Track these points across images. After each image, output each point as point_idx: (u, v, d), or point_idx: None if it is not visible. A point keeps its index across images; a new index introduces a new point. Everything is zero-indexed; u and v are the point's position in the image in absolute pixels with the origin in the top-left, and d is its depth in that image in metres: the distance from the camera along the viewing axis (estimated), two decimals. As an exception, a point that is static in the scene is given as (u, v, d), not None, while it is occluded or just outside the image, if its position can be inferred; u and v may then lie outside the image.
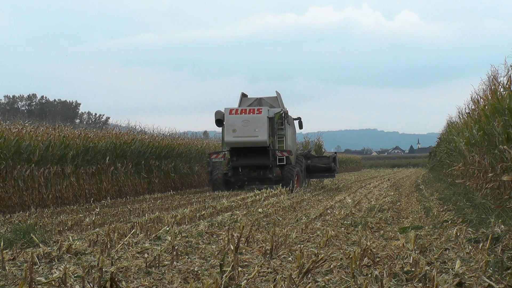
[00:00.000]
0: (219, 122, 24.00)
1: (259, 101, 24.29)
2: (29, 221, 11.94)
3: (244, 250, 7.85)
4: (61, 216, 13.55)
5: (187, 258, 7.34)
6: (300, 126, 26.15)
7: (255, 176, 24.05)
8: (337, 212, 13.46)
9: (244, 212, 13.76)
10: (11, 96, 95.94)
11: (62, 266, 6.55)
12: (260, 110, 22.99)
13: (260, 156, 23.67)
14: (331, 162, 26.22)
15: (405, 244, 7.82)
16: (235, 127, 22.93)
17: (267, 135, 23.02)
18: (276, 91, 24.86)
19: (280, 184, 22.89)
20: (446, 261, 6.82)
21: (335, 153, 27.63)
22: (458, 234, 8.64)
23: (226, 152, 24.03)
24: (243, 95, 24.76)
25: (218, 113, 23.98)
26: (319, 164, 26.27)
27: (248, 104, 24.21)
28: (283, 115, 24.10)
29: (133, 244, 8.45)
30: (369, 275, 5.95)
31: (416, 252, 7.23)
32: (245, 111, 22.98)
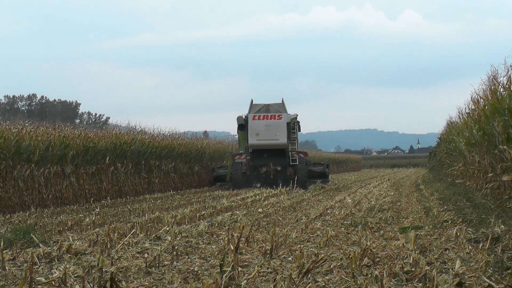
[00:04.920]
0: (242, 126, 26.24)
1: (267, 107, 25.97)
2: (29, 221, 11.94)
3: (244, 250, 7.85)
4: (61, 216, 13.55)
5: (187, 258, 7.35)
6: (299, 129, 27.83)
7: (271, 175, 26.17)
8: (337, 212, 13.47)
9: (244, 212, 13.77)
10: (11, 96, 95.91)
11: (62, 266, 6.55)
12: (281, 116, 25.35)
13: (278, 157, 26.12)
14: (325, 169, 28.51)
15: (405, 244, 7.82)
16: (258, 131, 25.29)
17: (286, 138, 25.43)
18: (282, 98, 26.65)
19: (291, 182, 24.58)
20: (446, 261, 6.82)
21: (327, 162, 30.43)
22: (458, 234, 8.64)
23: (246, 153, 26.27)
24: (252, 102, 26.35)
25: (240, 118, 26.27)
26: (314, 170, 28.41)
27: (257, 109, 25.93)
28: (296, 120, 26.69)
29: (133, 244, 8.45)
30: (369, 275, 5.95)
31: (416, 252, 7.23)
32: (267, 117, 25.33)
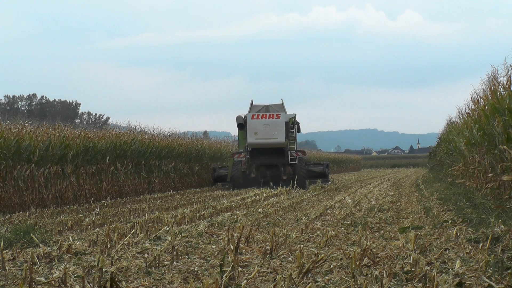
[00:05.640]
0: (241, 126, 26.53)
1: (267, 108, 26.34)
2: (29, 221, 11.94)
3: (244, 250, 7.85)
4: (61, 216, 13.55)
5: (187, 258, 7.35)
6: (298, 130, 28.10)
7: (271, 174, 26.44)
8: (337, 212, 13.47)
9: (244, 212, 13.77)
10: (11, 96, 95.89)
11: (62, 266, 6.55)
12: (279, 115, 25.60)
13: (277, 156, 26.28)
14: (325, 169, 29.00)
15: (405, 244, 7.82)
16: (257, 130, 25.48)
17: (285, 137, 25.59)
18: (281, 99, 27.04)
19: (292, 182, 24.81)
20: (446, 261, 6.82)
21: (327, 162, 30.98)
22: (458, 234, 8.64)
23: (246, 152, 26.45)
24: (252, 103, 26.72)
25: (239, 118, 26.54)
26: (314, 169, 28.93)
27: (257, 110, 26.27)
28: (295, 120, 26.98)
29: (133, 244, 8.45)
30: (369, 275, 5.95)
31: (416, 252, 7.23)
32: (266, 116, 25.55)
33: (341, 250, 7.74)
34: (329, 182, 29.13)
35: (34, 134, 17.61)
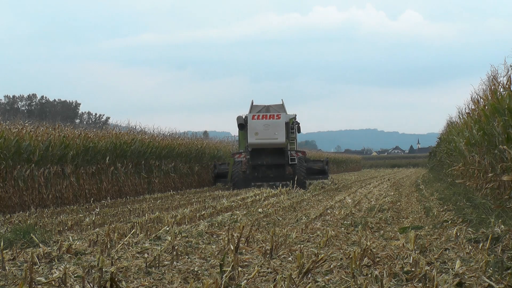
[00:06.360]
0: (242, 126, 26.63)
1: (267, 108, 26.45)
2: (29, 221, 11.94)
3: (244, 250, 7.85)
4: (61, 216, 13.55)
5: (187, 258, 7.35)
6: (299, 130, 28.21)
7: (271, 174, 26.59)
8: (337, 212, 13.47)
9: (244, 212, 13.77)
10: (11, 96, 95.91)
11: (62, 266, 6.55)
12: (279, 115, 25.70)
13: (277, 156, 26.37)
14: (325, 166, 29.03)
15: (405, 244, 7.82)
16: (257, 130, 25.55)
17: (285, 137, 25.67)
18: (282, 100, 27.08)
19: (291, 182, 25.04)
20: (446, 261, 6.82)
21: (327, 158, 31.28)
22: (458, 234, 8.64)
23: (246, 152, 26.54)
24: (252, 103, 26.81)
25: (239, 118, 26.65)
26: (314, 167, 28.95)
27: (257, 110, 26.36)
28: (295, 120, 27.11)
29: (133, 244, 8.45)
30: (369, 275, 5.95)
31: (416, 252, 7.23)
32: (266, 117, 25.64)
33: (341, 250, 7.74)
34: (329, 180, 29.19)
35: (34, 134, 17.61)
